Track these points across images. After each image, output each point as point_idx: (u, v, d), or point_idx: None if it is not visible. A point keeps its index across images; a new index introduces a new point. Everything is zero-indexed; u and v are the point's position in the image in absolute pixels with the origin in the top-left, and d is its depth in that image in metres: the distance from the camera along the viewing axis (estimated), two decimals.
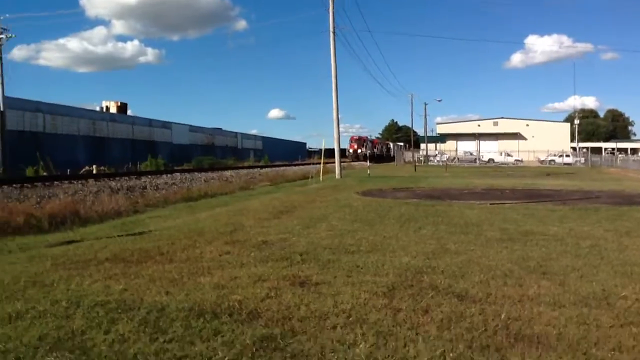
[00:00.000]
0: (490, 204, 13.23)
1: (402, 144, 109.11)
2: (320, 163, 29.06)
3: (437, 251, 6.87)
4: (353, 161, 66.96)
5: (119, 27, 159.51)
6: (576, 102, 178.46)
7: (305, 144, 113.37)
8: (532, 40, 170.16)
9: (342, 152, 41.08)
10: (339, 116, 31.74)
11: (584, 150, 79.46)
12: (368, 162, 42.38)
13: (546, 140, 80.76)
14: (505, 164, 68.26)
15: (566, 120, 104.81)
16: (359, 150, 75.91)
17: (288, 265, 6.04)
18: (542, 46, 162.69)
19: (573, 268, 5.87)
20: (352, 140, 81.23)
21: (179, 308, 4.35)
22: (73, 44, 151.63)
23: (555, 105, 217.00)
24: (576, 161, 69.77)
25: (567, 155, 72.15)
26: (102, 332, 3.80)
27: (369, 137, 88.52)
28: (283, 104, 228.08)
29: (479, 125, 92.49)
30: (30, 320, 4.08)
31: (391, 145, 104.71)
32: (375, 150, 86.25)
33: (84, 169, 33.93)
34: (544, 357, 3.36)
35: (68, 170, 30.73)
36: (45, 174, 27.93)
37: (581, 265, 6.01)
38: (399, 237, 8.04)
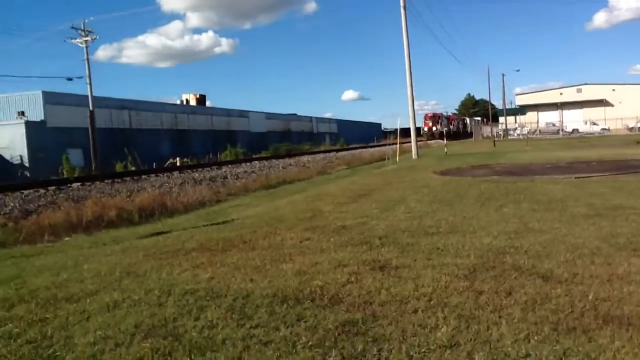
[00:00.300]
0: (576, 177, 12.69)
1: (479, 118, 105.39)
2: (396, 143, 28.81)
3: (519, 230, 6.70)
4: (428, 139, 64.76)
5: (193, 19, 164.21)
6: None
7: (380, 124, 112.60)
8: None
9: (418, 130, 40.23)
10: (414, 94, 31.29)
11: None
12: (445, 139, 41.18)
13: (635, 106, 75.83)
14: (591, 133, 65.09)
15: None
16: (434, 128, 73.55)
17: (367, 249, 6.09)
18: (628, 2, 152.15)
19: None
20: (426, 117, 78.05)
21: (263, 294, 4.51)
22: (152, 40, 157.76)
23: None
24: None
25: None
26: (193, 319, 4.01)
27: (443, 114, 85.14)
28: (357, 85, 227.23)
29: (561, 94, 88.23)
30: (127, 309, 4.37)
31: (468, 120, 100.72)
32: (451, 126, 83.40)
33: (168, 162, 35.41)
34: (635, 339, 3.23)
35: (154, 163, 32.19)
36: (133, 168, 29.41)
37: None
38: (479, 216, 7.89)
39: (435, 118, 77.38)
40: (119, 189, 16.70)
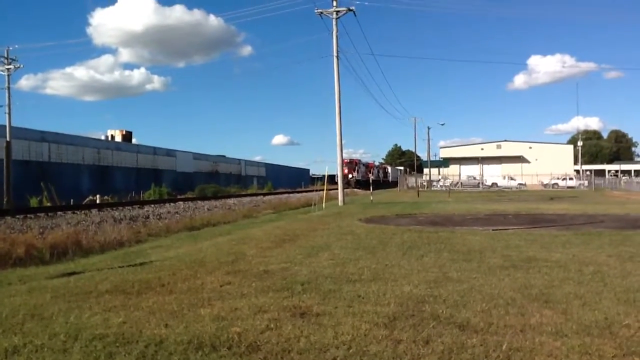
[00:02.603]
0: (493, 229, 13.18)
1: (401, 168, 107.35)
2: (323, 189, 29.07)
3: (439, 279, 6.83)
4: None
5: (125, 55, 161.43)
6: (579, 123, 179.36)
7: (308, 170, 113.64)
8: (535, 61, 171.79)
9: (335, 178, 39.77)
10: (343, 141, 31.83)
11: (588, 172, 79.44)
12: (358, 189, 39.34)
13: (549, 163, 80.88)
14: (509, 188, 68.27)
15: (569, 142, 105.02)
16: (350, 176, 64.78)
17: (289, 295, 6.00)
18: (545, 66, 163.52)
19: (576, 295, 5.82)
20: (344, 164, 70.03)
21: (177, 341, 4.31)
22: (80, 72, 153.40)
23: (558, 127, 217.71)
24: (580, 184, 69.81)
25: (571, 179, 72.22)
26: None
27: (361, 160, 79.90)
28: (287, 130, 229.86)
29: (482, 149, 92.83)
30: (27, 355, 4.06)
31: (389, 169, 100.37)
32: (370, 175, 76.18)
33: (87, 199, 34.06)
34: None
35: (72, 199, 30.85)
36: (49, 204, 28.02)
37: (584, 293, 5.95)
38: (401, 265, 8.00)
39: (352, 165, 69.08)
40: (31, 225, 15.81)
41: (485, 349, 4.06)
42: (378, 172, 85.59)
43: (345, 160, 66.77)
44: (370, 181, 43.19)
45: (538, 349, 4.07)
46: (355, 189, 61.03)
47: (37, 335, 4.54)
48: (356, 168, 70.27)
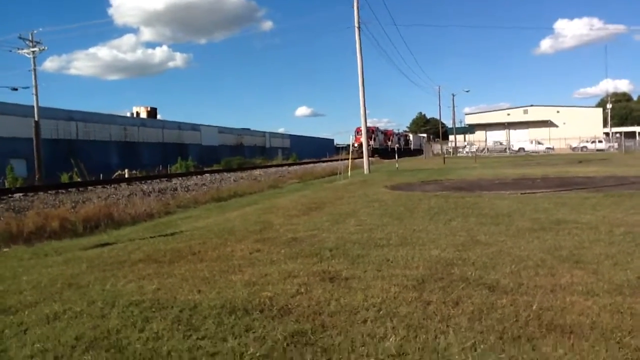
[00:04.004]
0: (521, 193, 13.05)
1: (424, 135, 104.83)
2: (348, 159, 29.02)
3: (467, 243, 6.82)
4: (359, 157, 45.08)
5: (147, 34, 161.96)
6: (608, 85, 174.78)
7: (332, 140, 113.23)
8: (561, 25, 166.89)
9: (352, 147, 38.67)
10: (367, 111, 31.61)
11: (617, 135, 77.55)
12: (372, 157, 35.36)
13: (578, 127, 79.18)
14: (536, 152, 67.31)
15: (598, 105, 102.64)
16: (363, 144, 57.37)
17: (318, 261, 6.07)
18: (572, 30, 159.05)
19: (606, 256, 5.77)
20: (357, 131, 60.41)
21: (210, 305, 4.41)
22: (103, 52, 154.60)
23: (587, 90, 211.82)
24: (609, 147, 68.42)
25: (600, 141, 70.81)
26: (137, 331, 3.89)
27: (379, 128, 74.30)
28: (310, 101, 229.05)
29: (508, 114, 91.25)
30: (67, 321, 4.20)
31: (411, 136, 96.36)
32: (389, 142, 74.01)
33: (116, 174, 34.57)
34: (577, 347, 3.31)
35: (101, 175, 31.37)
36: (79, 179, 28.54)
37: (615, 253, 5.89)
38: (429, 229, 8.00)
39: (369, 133, 60.00)
40: (63, 200, 16.16)
41: (515, 309, 4.07)
42: (398, 139, 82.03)
43: (360, 128, 58.37)
44: (396, 149, 42.71)
45: (569, 308, 4.06)
46: (372, 159, 59.17)
47: (76, 303, 4.69)
48: (373, 136, 64.10)
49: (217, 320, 4.05)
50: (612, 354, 3.19)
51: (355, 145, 57.47)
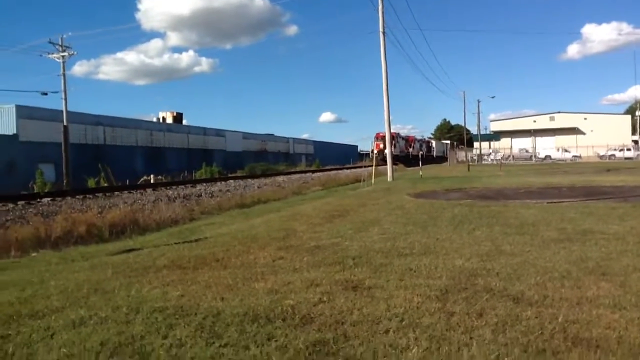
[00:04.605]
0: (547, 202, 12.87)
1: (448, 142, 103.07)
2: (372, 165, 28.97)
3: (491, 253, 6.75)
4: (379, 165, 39.89)
5: (174, 38, 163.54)
6: (637, 92, 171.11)
7: (356, 146, 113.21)
8: (589, 30, 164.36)
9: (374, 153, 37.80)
10: (391, 117, 31.52)
11: None
12: (395, 165, 33.54)
13: (606, 134, 77.85)
14: (563, 160, 66.40)
15: (627, 112, 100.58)
16: (386, 151, 53.93)
17: (341, 269, 6.06)
18: (600, 35, 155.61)
19: (634, 268, 5.65)
20: (377, 137, 60.93)
21: (233, 313, 4.44)
22: (130, 57, 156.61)
23: (615, 97, 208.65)
24: (638, 155, 67.11)
25: (629, 149, 69.54)
26: (161, 337, 3.93)
27: (400, 134, 72.28)
28: (334, 107, 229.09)
29: (534, 121, 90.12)
30: (93, 326, 4.26)
31: (433, 143, 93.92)
32: (410, 149, 72.33)
33: (142, 179, 35.03)
34: None
35: (127, 180, 31.80)
36: (105, 184, 29.01)
37: None
38: (453, 239, 7.94)
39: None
40: (90, 205, 16.43)
41: (540, 321, 4.02)
42: (420, 146, 79.89)
43: (380, 134, 58.41)
44: (420, 156, 42.18)
45: (595, 322, 3.99)
46: (404, 166, 58.32)
47: (101, 308, 4.76)
48: (393, 142, 61.79)
49: (240, 328, 4.08)
50: None
51: (375, 152, 55.26)
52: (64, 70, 36.24)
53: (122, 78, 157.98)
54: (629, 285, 4.98)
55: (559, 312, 4.22)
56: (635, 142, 79.22)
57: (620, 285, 4.97)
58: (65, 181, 32.12)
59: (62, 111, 35.89)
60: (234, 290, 5.27)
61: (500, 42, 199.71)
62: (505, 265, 5.98)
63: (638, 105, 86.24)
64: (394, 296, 4.81)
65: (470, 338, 3.72)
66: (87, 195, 20.64)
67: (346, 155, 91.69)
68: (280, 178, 35.22)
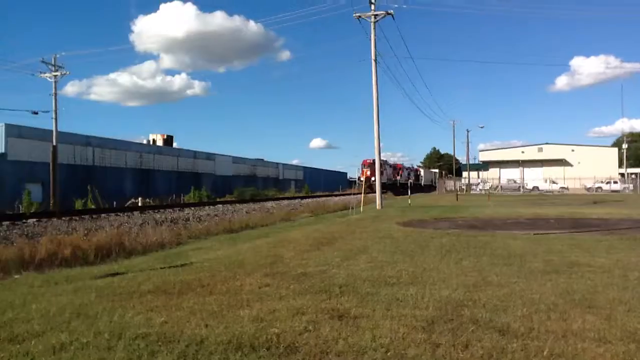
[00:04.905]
0: (535, 234, 12.93)
1: (436, 170, 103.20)
2: (361, 193, 28.99)
3: (478, 283, 6.74)
4: (366, 193, 35.61)
5: (167, 61, 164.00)
6: (624, 125, 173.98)
7: (346, 173, 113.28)
8: (578, 62, 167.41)
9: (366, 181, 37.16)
10: (381, 144, 31.70)
11: (633, 176, 76.92)
12: (379, 193, 31.87)
13: (593, 166, 78.72)
14: (550, 191, 66.88)
15: (614, 145, 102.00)
16: (372, 178, 47.88)
17: (327, 297, 6.03)
18: (589, 68, 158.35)
19: (620, 301, 5.67)
20: (364, 164, 59.70)
21: (217, 341, 4.39)
22: (123, 78, 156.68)
23: (602, 129, 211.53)
24: (624, 188, 67.87)
25: (615, 182, 70.26)
26: None
27: (387, 161, 69.79)
28: (325, 133, 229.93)
29: (522, 152, 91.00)
30: (74, 352, 4.19)
31: (422, 172, 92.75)
32: (398, 177, 71.02)
33: (130, 201, 34.83)
34: None
35: (115, 202, 31.61)
36: (93, 206, 28.79)
37: (629, 299, 5.80)
38: (440, 268, 7.93)
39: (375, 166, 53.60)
40: (77, 227, 16.27)
41: (526, 354, 4.01)
42: (409, 174, 79.02)
43: (367, 161, 58.20)
44: (408, 184, 42.46)
45: (580, 355, 3.99)
46: (393, 194, 57.95)
47: (83, 333, 4.68)
48: (380, 170, 60.74)
49: (223, 357, 4.03)
50: None
51: (362, 179, 54.26)
52: (55, 89, 36.34)
53: (114, 99, 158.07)
54: (614, 318, 4.99)
55: (544, 344, 4.21)
56: (622, 175, 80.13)
57: (605, 319, 4.98)
58: (52, 202, 31.88)
59: (52, 131, 35.80)
60: (219, 317, 5.21)
61: (490, 72, 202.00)
62: (492, 296, 5.97)
63: (624, 138, 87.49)
64: (380, 326, 4.78)
65: None
66: (74, 217, 20.44)
67: (336, 182, 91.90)
68: (269, 203, 35.14)
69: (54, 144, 35.04)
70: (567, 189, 70.37)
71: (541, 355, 3.98)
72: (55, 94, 36.12)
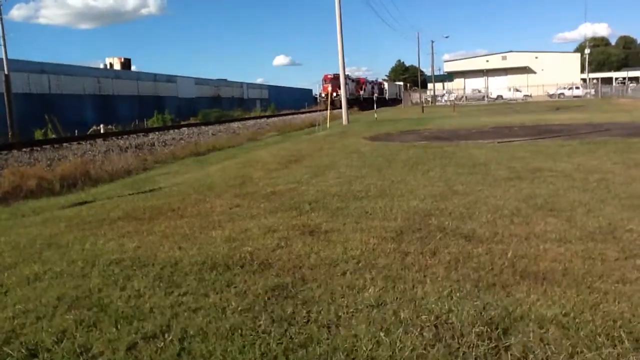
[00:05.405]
0: (499, 142, 13.18)
1: (401, 83, 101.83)
2: (327, 109, 28.85)
3: (444, 193, 6.91)
4: (325, 109, 38.01)
5: None
6: (587, 30, 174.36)
7: (311, 90, 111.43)
8: None
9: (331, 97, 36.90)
10: (345, 60, 31.23)
11: (595, 81, 78.00)
12: (345, 109, 31.18)
13: (556, 73, 79.47)
14: (514, 100, 67.54)
15: (577, 51, 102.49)
16: (334, 94, 45.63)
17: (297, 214, 6.11)
18: None
19: (580, 203, 5.90)
20: (325, 79, 57.12)
21: (192, 262, 4.45)
22: None
23: (565, 35, 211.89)
24: (586, 93, 68.86)
25: (577, 88, 71.13)
26: (119, 289, 3.91)
27: (349, 76, 61.69)
28: (288, 50, 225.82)
29: (487, 61, 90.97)
30: (48, 281, 4.20)
31: (386, 85, 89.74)
32: (361, 92, 68.38)
33: (91, 129, 33.99)
34: (549, 292, 3.42)
35: (76, 130, 30.79)
36: (54, 136, 28.05)
37: (588, 200, 6.03)
38: (407, 180, 8.07)
39: (337, 81, 47.05)
40: (39, 158, 15.93)
41: (490, 257, 4.17)
42: (372, 88, 75.26)
43: (328, 76, 56.70)
44: (374, 99, 42.16)
45: (542, 256, 4.17)
46: (358, 109, 57.31)
47: (56, 263, 4.69)
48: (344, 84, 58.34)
49: (199, 277, 4.10)
50: (583, 298, 3.30)
51: (323, 95, 53.91)
52: (0, 14, 34.28)
53: (65, 22, 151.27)
54: (574, 220, 5.21)
55: (508, 247, 4.39)
56: (584, 80, 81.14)
57: (566, 220, 5.19)
58: (10, 133, 30.90)
59: (1, 59, 34.14)
60: (192, 239, 5.26)
61: None
62: (458, 204, 6.14)
63: (587, 44, 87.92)
64: (351, 239, 4.90)
65: (424, 276, 3.84)
66: (35, 148, 19.92)
67: (302, 100, 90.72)
68: (235, 124, 34.77)
69: (6, 72, 33.52)
70: (530, 96, 71.14)
71: (505, 257, 4.16)
72: (1, 18, 34.14)
